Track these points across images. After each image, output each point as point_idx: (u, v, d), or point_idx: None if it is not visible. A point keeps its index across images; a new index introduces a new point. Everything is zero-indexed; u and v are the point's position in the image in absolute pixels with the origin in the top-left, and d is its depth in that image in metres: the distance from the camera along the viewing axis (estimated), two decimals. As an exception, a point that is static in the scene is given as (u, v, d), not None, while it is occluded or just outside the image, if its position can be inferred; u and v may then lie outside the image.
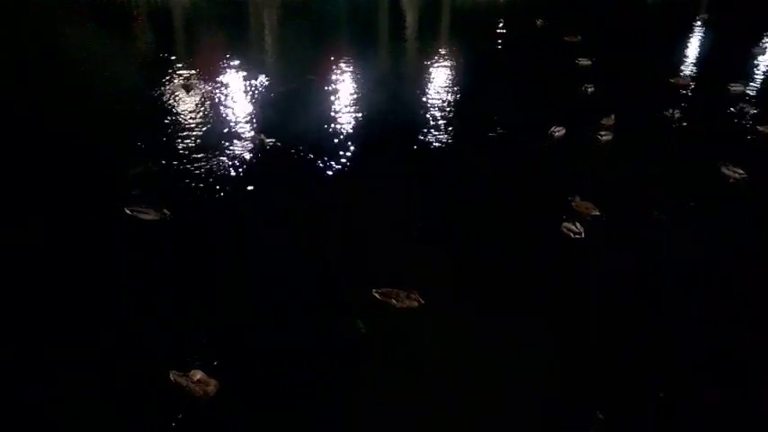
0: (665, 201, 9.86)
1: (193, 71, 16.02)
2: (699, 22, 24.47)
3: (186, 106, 13.65)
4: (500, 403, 5.94)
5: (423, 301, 7.04)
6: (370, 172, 10.62)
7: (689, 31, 22.92)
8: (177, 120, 12.86)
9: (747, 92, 15.28)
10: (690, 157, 11.45)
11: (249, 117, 13.10)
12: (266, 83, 15.28)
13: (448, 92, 15.20)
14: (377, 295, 7.18)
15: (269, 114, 13.14)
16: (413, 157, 11.37)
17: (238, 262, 8.07)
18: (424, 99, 14.42)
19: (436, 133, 12.45)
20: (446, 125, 12.90)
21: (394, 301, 7.09)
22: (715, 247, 8.67)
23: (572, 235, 8.70)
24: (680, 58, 18.86)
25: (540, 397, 5.97)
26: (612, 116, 12.92)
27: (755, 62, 18.33)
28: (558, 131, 12.35)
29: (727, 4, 30.25)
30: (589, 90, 14.99)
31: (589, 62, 16.88)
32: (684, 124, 13.32)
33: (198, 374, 6.01)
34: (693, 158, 11.36)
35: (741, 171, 10.74)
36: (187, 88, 15.03)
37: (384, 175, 10.47)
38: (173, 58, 17.36)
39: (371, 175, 10.47)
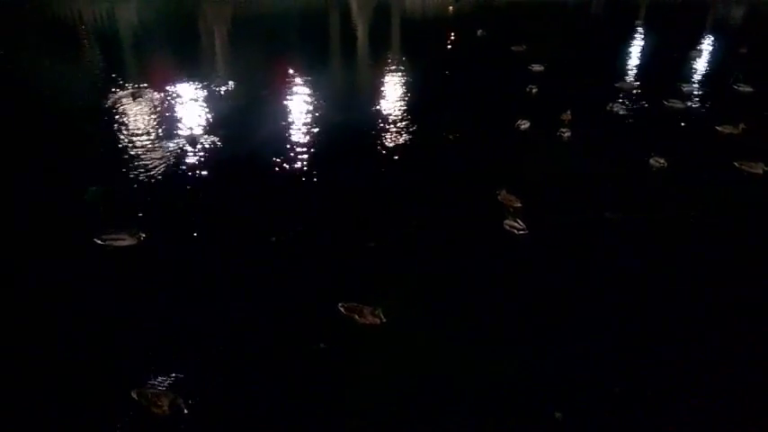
0: (604, 192, 10.26)
1: (142, 87, 15.82)
2: (638, 29, 25.36)
3: (137, 124, 13.46)
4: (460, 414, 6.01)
5: (384, 319, 7.02)
6: (329, 183, 10.67)
7: (630, 37, 23.74)
8: (128, 138, 12.67)
9: (688, 92, 15.99)
10: (626, 151, 11.97)
11: (203, 131, 13.03)
12: (219, 98, 15.22)
13: (403, 101, 15.43)
14: (342, 309, 7.18)
15: (222, 129, 13.09)
16: (370, 166, 11.47)
17: (210, 279, 7.97)
18: (379, 109, 14.61)
19: (393, 141, 12.62)
20: (402, 132, 13.10)
21: (357, 317, 7.08)
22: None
23: (516, 232, 8.92)
24: (624, 63, 19.53)
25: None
26: (569, 112, 13.54)
27: (695, 65, 19.15)
28: (524, 124, 13.06)
29: (663, 11, 31.61)
30: (533, 91, 15.67)
31: (542, 68, 17.46)
32: (629, 122, 13.90)
33: (158, 392, 6.01)
34: (629, 152, 11.88)
35: (662, 160, 11.27)
36: (135, 95, 14.90)
37: (343, 187, 10.54)
38: (121, 75, 17.13)
39: (332, 188, 10.53)
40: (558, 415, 5.86)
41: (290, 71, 17.41)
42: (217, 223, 9.31)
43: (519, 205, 9.52)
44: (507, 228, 8.98)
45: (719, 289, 7.74)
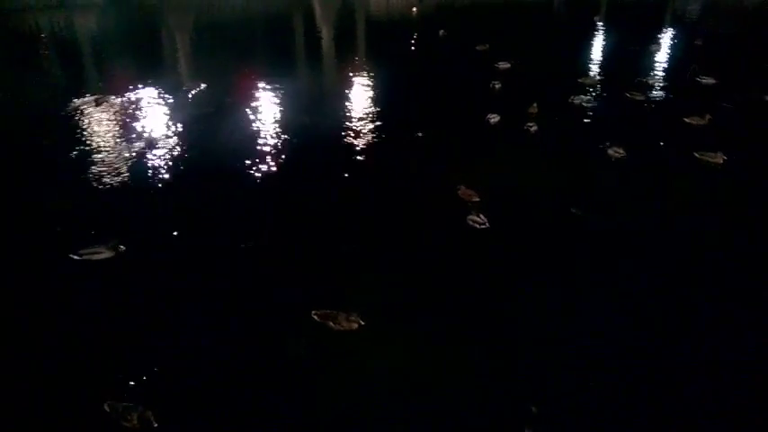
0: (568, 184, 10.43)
1: (104, 95, 15.58)
2: (598, 25, 25.78)
3: (100, 131, 13.26)
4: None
5: (363, 323, 6.95)
6: (299, 187, 10.62)
7: (592, 32, 24.14)
8: (90, 146, 12.46)
9: (648, 84, 16.29)
10: (588, 143, 12.16)
11: (167, 137, 12.87)
12: (184, 104, 15.08)
13: (370, 101, 15.46)
14: (316, 317, 7.07)
15: (188, 134, 12.98)
16: (339, 167, 11.41)
17: (185, 290, 7.83)
18: (346, 110, 14.59)
19: (361, 141, 12.61)
20: (370, 132, 13.12)
21: (332, 323, 6.98)
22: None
23: (477, 226, 9.00)
24: (586, 58, 19.88)
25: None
26: (535, 105, 13.85)
27: (654, 58, 19.54)
28: (494, 118, 13.27)
29: (622, 6, 32.22)
30: (497, 87, 15.93)
31: (508, 65, 17.68)
32: (592, 115, 14.13)
33: (129, 406, 5.92)
34: (591, 144, 12.05)
35: (621, 151, 11.49)
36: (97, 102, 14.74)
37: (312, 189, 10.50)
38: (82, 83, 16.91)
39: (301, 191, 10.48)
40: (534, 409, 5.89)
41: (255, 76, 17.32)
42: (187, 231, 9.19)
43: (477, 200, 9.67)
44: (470, 223, 9.08)
45: (675, 282, 7.86)
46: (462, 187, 10.01)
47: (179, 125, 13.66)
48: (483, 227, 8.99)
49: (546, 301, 7.42)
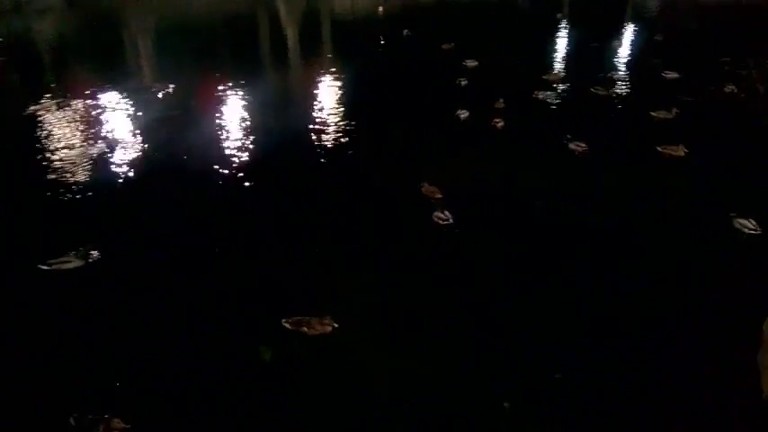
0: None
1: (64, 101, 15.30)
2: (561, 22, 26.07)
3: (60, 135, 13.01)
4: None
5: (336, 325, 6.90)
6: (266, 189, 10.55)
7: (556, 29, 24.39)
8: (50, 149, 12.23)
9: (612, 79, 16.53)
10: (550, 138, 12.32)
11: (133, 143, 12.68)
12: (149, 109, 14.82)
13: (337, 102, 15.42)
14: (287, 326, 6.95)
15: (155, 140, 12.78)
16: (307, 169, 11.39)
17: (156, 300, 7.69)
18: (314, 112, 14.51)
19: (329, 142, 12.57)
20: (338, 132, 13.08)
21: (305, 329, 6.87)
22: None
23: (441, 222, 9.06)
24: (551, 55, 20.09)
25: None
26: (501, 100, 14.03)
27: (617, 54, 19.84)
28: (464, 114, 13.47)
29: (585, 3, 32.67)
30: (463, 83, 16.03)
31: (476, 63, 17.74)
32: (556, 111, 14.35)
33: (96, 418, 5.78)
34: (552, 138, 12.23)
35: (583, 145, 11.67)
36: (58, 105, 14.45)
37: (280, 192, 10.44)
38: (41, 87, 16.50)
39: (269, 193, 10.40)
40: (506, 405, 5.91)
41: (220, 77, 17.11)
42: (157, 236, 9.08)
43: (440, 196, 9.76)
44: (435, 219, 9.12)
45: (633, 276, 7.97)
46: (426, 184, 10.10)
47: (145, 127, 13.45)
48: (446, 223, 9.05)
49: (520, 297, 7.49)
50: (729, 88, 14.27)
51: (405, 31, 22.46)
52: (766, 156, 11.25)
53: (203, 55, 20.69)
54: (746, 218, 8.73)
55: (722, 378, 6.07)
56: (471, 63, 17.83)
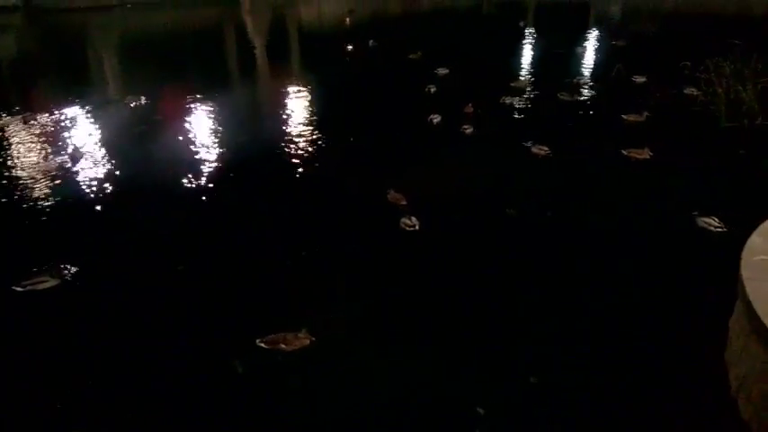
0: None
1: (30, 115, 15.00)
2: (526, 30, 26.49)
3: (23, 150, 12.72)
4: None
5: (313, 338, 6.78)
6: (233, 202, 10.44)
7: (522, 37, 24.77)
8: (12, 165, 11.96)
9: (578, 84, 16.87)
10: (513, 143, 12.45)
11: (101, 157, 12.44)
12: (116, 124, 14.62)
13: (306, 113, 15.40)
14: (263, 345, 6.77)
15: (122, 154, 12.57)
16: (275, 180, 11.33)
17: (125, 319, 7.50)
18: (283, 123, 14.46)
19: (299, 152, 12.52)
20: (308, 143, 13.07)
21: (283, 345, 6.71)
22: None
23: (407, 228, 9.11)
24: (518, 62, 20.48)
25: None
26: (470, 105, 14.33)
27: (582, 59, 20.22)
28: (436, 118, 13.70)
29: (548, 10, 33.32)
30: (432, 90, 16.23)
31: (447, 71, 17.96)
32: (522, 116, 14.56)
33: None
34: (516, 143, 12.36)
35: (545, 148, 11.83)
36: (15, 122, 14.24)
37: (247, 204, 10.36)
38: (4, 104, 16.19)
39: (236, 206, 10.31)
40: (480, 411, 5.90)
41: (187, 90, 16.97)
42: (125, 253, 8.89)
43: (404, 203, 9.80)
44: (402, 226, 9.16)
45: (599, 271, 8.11)
46: (392, 191, 10.16)
47: (113, 142, 13.26)
48: (412, 229, 9.09)
49: (492, 301, 7.51)
50: (690, 91, 14.59)
51: (370, 42, 22.57)
52: (725, 156, 11.47)
53: (171, 68, 20.57)
54: (709, 216, 8.86)
55: (691, 374, 6.16)
56: (442, 71, 18.02)
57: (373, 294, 7.81)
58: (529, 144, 12.03)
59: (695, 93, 14.23)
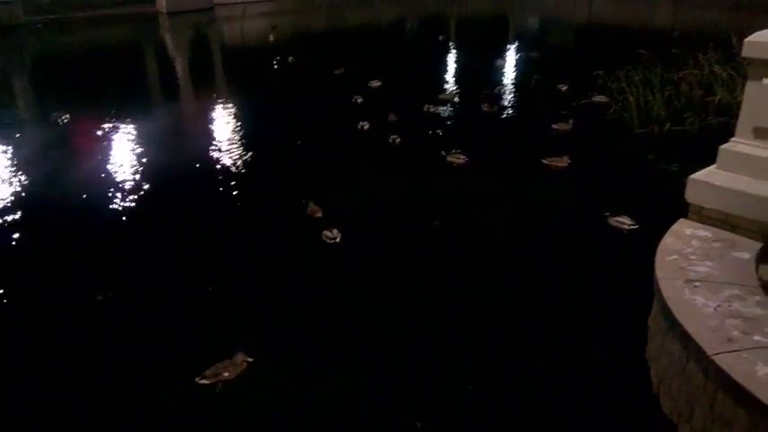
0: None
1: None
2: (449, 45, 27.04)
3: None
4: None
5: (251, 359, 6.57)
6: (154, 227, 10.12)
7: (445, 50, 25.24)
8: None
9: (499, 95, 17.30)
10: (432, 152, 12.63)
11: (7, 179, 11.83)
12: (20, 149, 13.96)
13: (232, 131, 15.13)
14: (205, 381, 6.39)
15: (31, 178, 12.02)
16: (199, 198, 11.05)
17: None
18: (208, 143, 14.09)
19: (227, 171, 12.28)
20: (234, 159, 12.90)
21: (226, 374, 6.43)
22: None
23: (328, 241, 9.10)
24: (443, 75, 20.94)
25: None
26: (392, 114, 14.64)
27: (503, 71, 20.77)
28: (366, 125, 14.13)
29: (468, 25, 34.15)
30: (359, 101, 16.47)
31: (379, 83, 18.21)
32: (445, 126, 14.84)
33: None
34: (437, 153, 12.52)
35: (463, 156, 12.11)
36: None
37: (169, 226, 10.08)
38: None
39: (157, 230, 10.00)
40: (419, 425, 5.84)
41: (104, 112, 16.33)
42: (36, 282, 8.46)
43: (320, 215, 9.85)
44: (323, 238, 9.13)
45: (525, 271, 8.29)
46: (311, 203, 10.17)
47: (21, 164, 12.68)
48: (333, 241, 9.08)
49: (417, 316, 7.50)
50: (603, 99, 15.13)
51: (290, 58, 22.45)
52: (637, 161, 11.96)
53: (87, 88, 19.81)
54: (621, 215, 9.24)
55: (613, 372, 6.31)
56: (375, 83, 18.28)
57: (296, 309, 7.69)
58: (445, 153, 12.23)
59: (608, 101, 14.78)
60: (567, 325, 7.17)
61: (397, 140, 13.29)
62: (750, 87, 6.21)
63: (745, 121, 6.31)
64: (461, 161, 12.00)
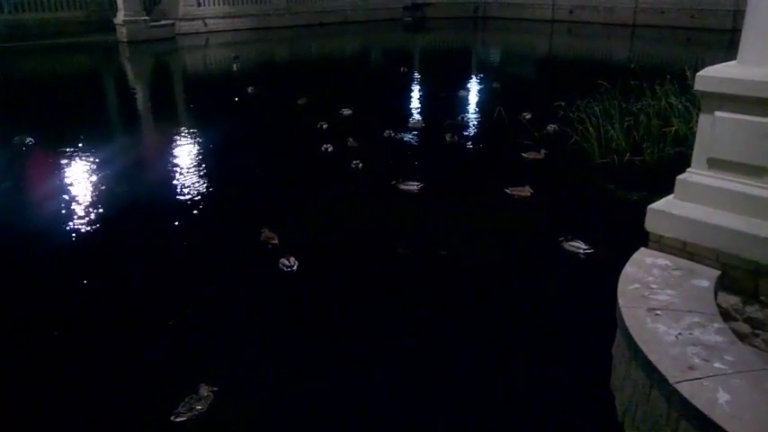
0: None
1: None
2: (414, 76, 27.40)
3: None
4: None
5: (215, 388, 6.44)
6: (111, 259, 9.87)
7: (405, 84, 25.48)
8: None
9: (464, 124, 17.65)
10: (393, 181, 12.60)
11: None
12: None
13: (194, 161, 14.95)
14: (182, 419, 6.18)
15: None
16: (155, 228, 10.87)
17: None
18: (169, 176, 13.84)
19: (185, 200, 12.10)
20: (194, 188, 12.76)
21: (199, 407, 6.25)
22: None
23: (285, 269, 9.02)
24: (410, 104, 21.26)
25: None
26: (351, 139, 15.09)
27: (466, 103, 21.07)
28: (329, 147, 14.55)
29: (428, 58, 34.69)
30: (324, 126, 16.77)
31: (350, 111, 18.51)
32: (415, 155, 15.03)
33: None
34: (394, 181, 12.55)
35: (416, 183, 12.27)
36: None
37: (120, 256, 9.90)
38: None
39: (110, 260, 9.79)
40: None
41: (61, 148, 15.90)
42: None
43: (276, 242, 9.82)
44: (280, 266, 9.06)
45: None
46: (265, 230, 10.11)
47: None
48: (290, 270, 9.00)
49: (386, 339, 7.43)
50: (564, 129, 15.40)
51: (249, 89, 22.36)
52: (597, 191, 12.17)
53: (39, 116, 19.37)
54: (575, 240, 9.44)
55: (578, 403, 6.31)
56: (347, 111, 18.54)
57: (255, 338, 7.62)
58: (395, 182, 12.27)
59: (566, 130, 15.05)
60: (524, 354, 7.17)
61: (360, 165, 13.43)
62: (703, 120, 6.38)
63: (699, 152, 6.47)
64: (414, 188, 12.10)
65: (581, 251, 9.32)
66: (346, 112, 18.41)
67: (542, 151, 14.21)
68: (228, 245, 10.19)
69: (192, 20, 39.63)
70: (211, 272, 9.30)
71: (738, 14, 31.26)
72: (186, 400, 6.30)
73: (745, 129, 5.99)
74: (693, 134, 7.05)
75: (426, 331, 7.64)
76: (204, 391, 6.43)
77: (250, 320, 8.06)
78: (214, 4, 40.72)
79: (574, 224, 10.31)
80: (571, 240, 9.50)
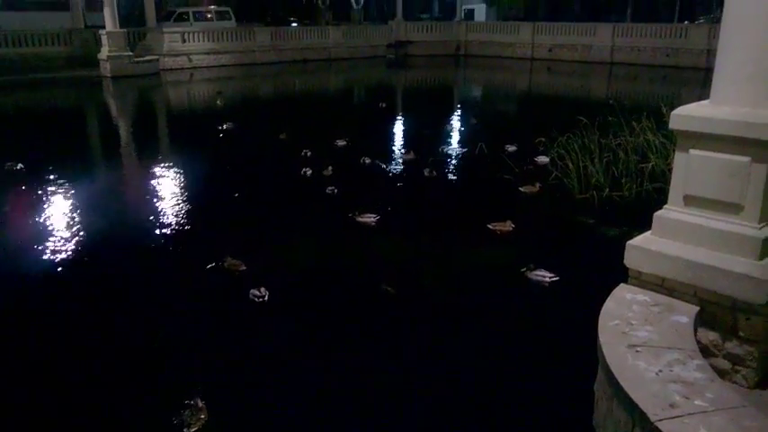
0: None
1: None
2: (393, 112, 27.71)
3: None
4: None
5: (204, 416, 6.29)
6: (83, 291, 9.69)
7: (388, 120, 25.71)
8: None
9: (449, 157, 17.76)
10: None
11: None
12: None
13: (175, 193, 14.89)
14: None
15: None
16: (131, 260, 10.76)
17: None
18: (150, 206, 13.77)
19: (164, 233, 12.02)
20: (171, 223, 12.65)
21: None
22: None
23: (256, 300, 8.92)
24: (393, 139, 21.49)
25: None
26: (330, 168, 15.39)
27: (451, 135, 21.35)
28: (308, 171, 15.12)
29: (409, 97, 35.13)
30: (308, 154, 17.04)
31: (345, 142, 18.70)
32: (403, 187, 15.13)
33: None
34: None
35: (373, 216, 12.18)
36: None
37: (95, 285, 9.78)
38: None
39: (86, 289, 9.62)
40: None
41: (42, 182, 15.73)
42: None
43: (244, 268, 9.75)
44: (251, 297, 8.94)
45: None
46: (228, 258, 10.01)
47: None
48: (261, 300, 8.87)
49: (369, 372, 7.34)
50: (544, 163, 15.59)
51: (225, 125, 22.29)
52: (577, 226, 12.31)
53: (22, 150, 19.22)
54: (538, 269, 9.50)
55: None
56: (341, 142, 18.78)
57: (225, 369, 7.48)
58: (351, 215, 12.18)
59: (550, 167, 15.20)
60: (507, 391, 7.11)
61: (335, 191, 13.68)
62: (678, 157, 6.47)
63: (675, 189, 6.54)
64: (372, 221, 12.07)
65: (546, 279, 9.35)
66: (341, 142, 18.64)
67: (537, 184, 14.29)
68: (197, 273, 10.00)
69: (177, 55, 39.90)
70: (178, 302, 9.20)
71: (711, 53, 32.12)
72: None
73: (717, 166, 6.08)
74: (671, 170, 7.14)
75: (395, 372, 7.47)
76: (194, 416, 6.28)
77: (217, 355, 7.88)
78: (199, 41, 41.13)
79: (555, 257, 10.35)
80: (534, 270, 9.51)
